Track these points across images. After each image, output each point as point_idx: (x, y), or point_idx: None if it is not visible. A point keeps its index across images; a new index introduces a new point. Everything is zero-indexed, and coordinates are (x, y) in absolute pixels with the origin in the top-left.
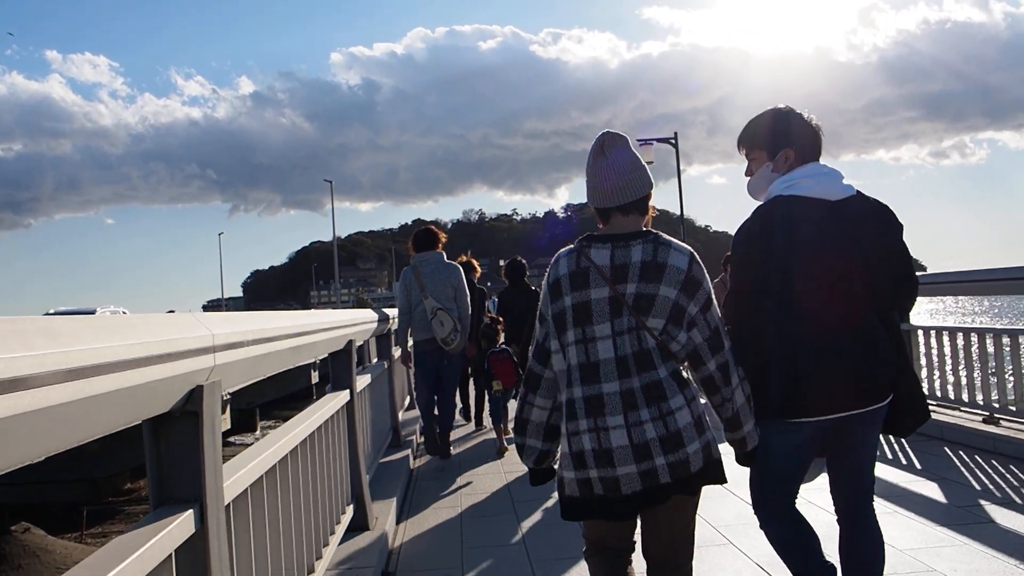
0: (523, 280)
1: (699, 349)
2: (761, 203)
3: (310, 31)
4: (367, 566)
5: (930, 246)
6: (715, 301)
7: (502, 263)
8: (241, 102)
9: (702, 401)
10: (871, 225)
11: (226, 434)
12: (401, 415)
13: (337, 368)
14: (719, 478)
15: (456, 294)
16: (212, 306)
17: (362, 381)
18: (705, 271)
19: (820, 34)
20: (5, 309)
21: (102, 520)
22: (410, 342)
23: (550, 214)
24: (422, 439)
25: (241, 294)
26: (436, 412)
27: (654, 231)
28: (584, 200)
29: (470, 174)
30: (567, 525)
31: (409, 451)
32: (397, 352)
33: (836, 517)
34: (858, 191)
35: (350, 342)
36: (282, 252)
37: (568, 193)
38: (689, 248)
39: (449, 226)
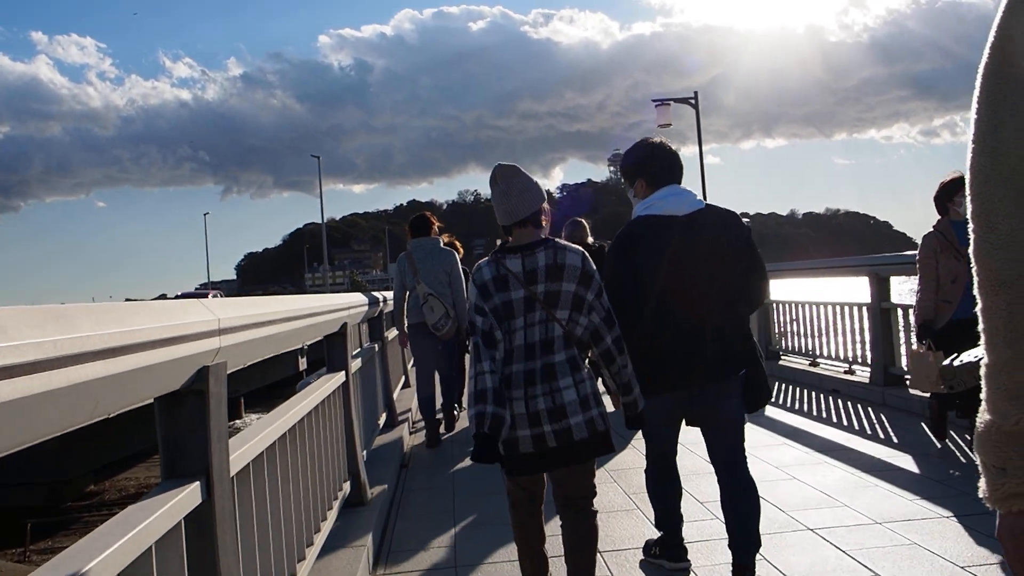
0: None
1: (598, 328)
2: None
3: (297, 13)
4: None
5: (922, 226)
6: (604, 289)
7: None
8: (231, 84)
9: (600, 387)
10: (717, 231)
11: None
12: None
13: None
14: (606, 447)
15: (451, 279)
16: (202, 289)
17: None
18: (594, 266)
19: (811, 14)
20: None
21: (54, 532)
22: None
23: (547, 194)
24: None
25: (235, 276)
26: (439, 402)
27: (552, 238)
28: (581, 180)
29: (465, 155)
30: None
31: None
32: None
33: (716, 475)
34: (708, 204)
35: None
36: (276, 234)
37: (563, 173)
38: (580, 249)
39: (444, 207)
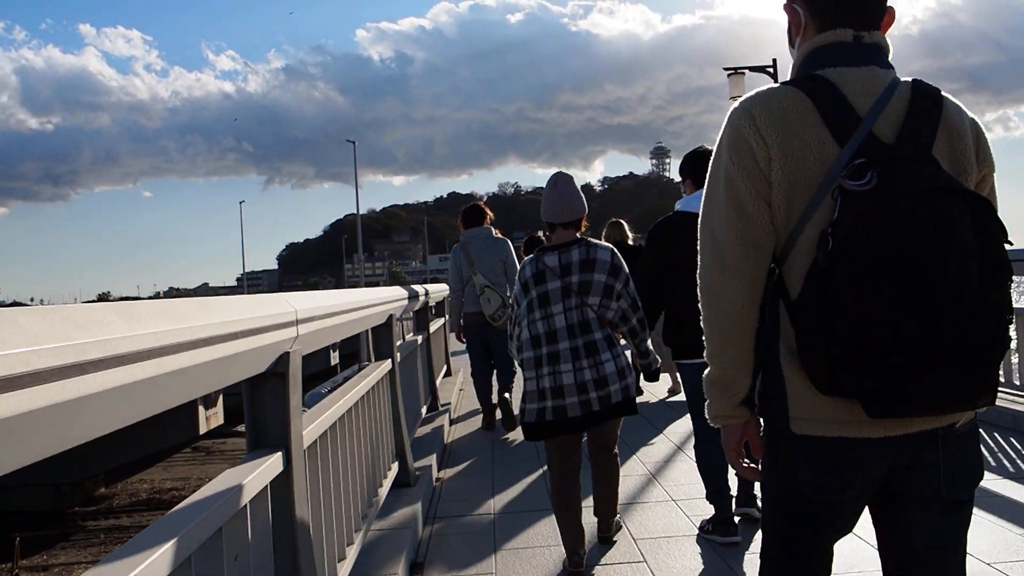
0: None
1: (625, 311)
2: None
3: (334, 6)
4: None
5: None
6: (631, 279)
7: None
8: (273, 76)
9: (628, 354)
10: None
11: (237, 422)
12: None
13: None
14: (632, 411)
15: (506, 268)
16: (242, 279)
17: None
18: (623, 260)
19: None
20: (45, 280)
21: (51, 544)
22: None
23: (587, 187)
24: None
25: (276, 266)
26: (491, 387)
27: (584, 238)
28: (621, 173)
29: (505, 147)
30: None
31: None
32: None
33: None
34: None
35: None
36: (318, 224)
37: (604, 166)
38: (610, 246)
39: (484, 199)
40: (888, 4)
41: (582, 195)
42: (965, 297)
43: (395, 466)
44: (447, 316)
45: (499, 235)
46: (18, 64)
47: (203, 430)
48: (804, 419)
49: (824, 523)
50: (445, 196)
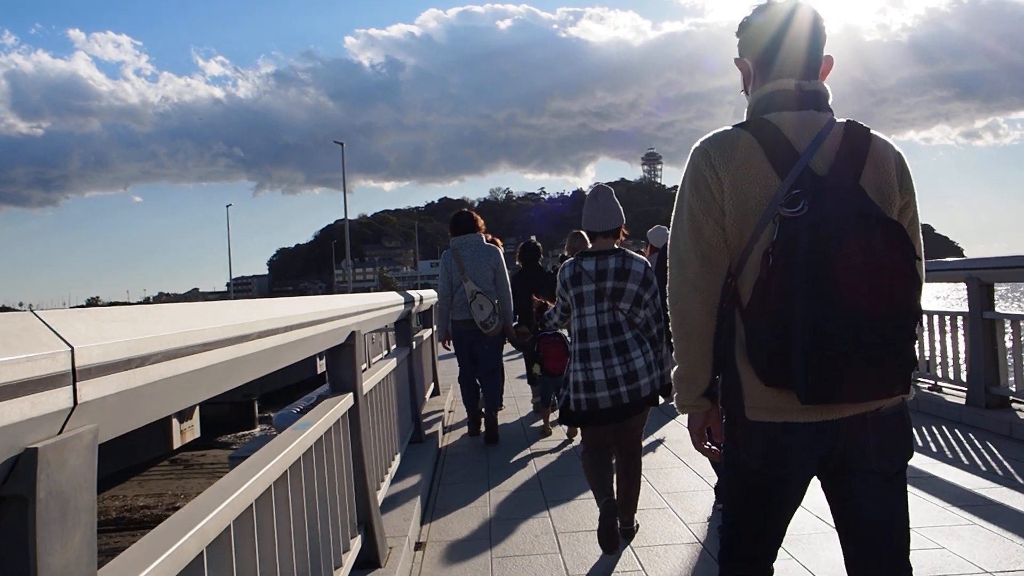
0: (537, 263)
1: (649, 320)
2: None
3: (323, 12)
4: None
5: (962, 228)
6: (659, 290)
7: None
8: (263, 81)
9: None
10: None
11: (219, 432)
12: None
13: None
14: (654, 403)
15: (496, 276)
16: (234, 285)
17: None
18: (654, 273)
19: (847, 13)
20: (35, 286)
21: None
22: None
23: (578, 193)
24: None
25: (267, 272)
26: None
27: (622, 248)
28: (613, 179)
29: (496, 153)
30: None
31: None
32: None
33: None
34: None
35: None
36: (308, 230)
37: (595, 172)
38: (644, 259)
39: (476, 205)
40: (825, 54)
41: (620, 207)
42: (876, 304)
43: (356, 543)
44: (435, 325)
45: (490, 242)
46: (8, 69)
47: (177, 444)
48: (755, 407)
49: (774, 495)
50: (436, 202)
